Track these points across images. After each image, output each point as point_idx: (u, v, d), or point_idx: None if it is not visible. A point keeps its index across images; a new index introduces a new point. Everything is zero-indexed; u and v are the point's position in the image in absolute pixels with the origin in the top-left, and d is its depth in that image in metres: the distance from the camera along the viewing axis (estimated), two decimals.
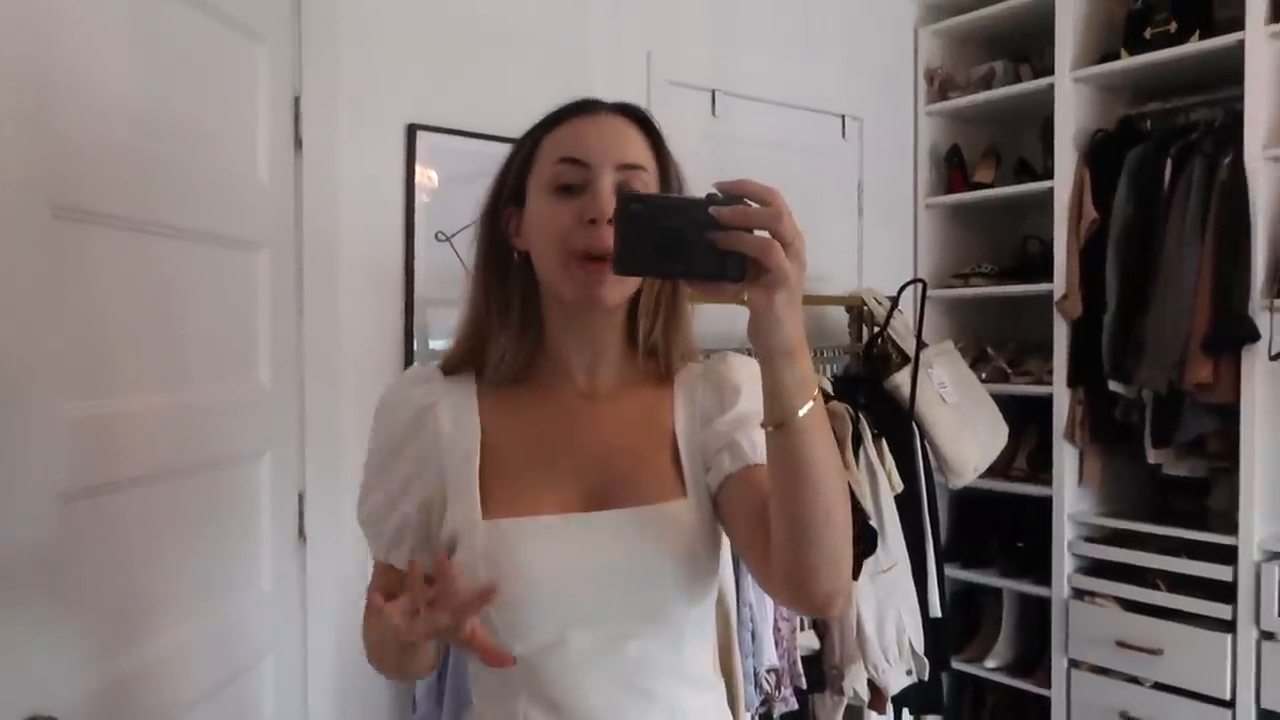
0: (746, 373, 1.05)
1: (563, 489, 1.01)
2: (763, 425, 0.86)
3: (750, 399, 1.01)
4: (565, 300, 1.01)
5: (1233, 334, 2.43)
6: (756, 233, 0.79)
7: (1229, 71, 2.48)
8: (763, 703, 2.07)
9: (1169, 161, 2.60)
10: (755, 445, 0.98)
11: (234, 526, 1.64)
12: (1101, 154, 2.75)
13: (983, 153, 3.25)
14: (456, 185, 2.13)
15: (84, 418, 1.26)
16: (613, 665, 1.00)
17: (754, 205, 0.81)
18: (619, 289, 1.00)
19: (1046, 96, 2.84)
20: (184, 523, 1.49)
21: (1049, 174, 2.88)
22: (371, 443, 1.10)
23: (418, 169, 2.13)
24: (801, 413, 0.84)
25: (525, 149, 1.04)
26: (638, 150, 1.02)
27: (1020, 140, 3.26)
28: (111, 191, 1.32)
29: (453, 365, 1.09)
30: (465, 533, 1.00)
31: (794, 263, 0.80)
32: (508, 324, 1.04)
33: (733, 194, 0.81)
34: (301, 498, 1.83)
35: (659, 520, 1.00)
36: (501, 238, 1.06)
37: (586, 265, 0.97)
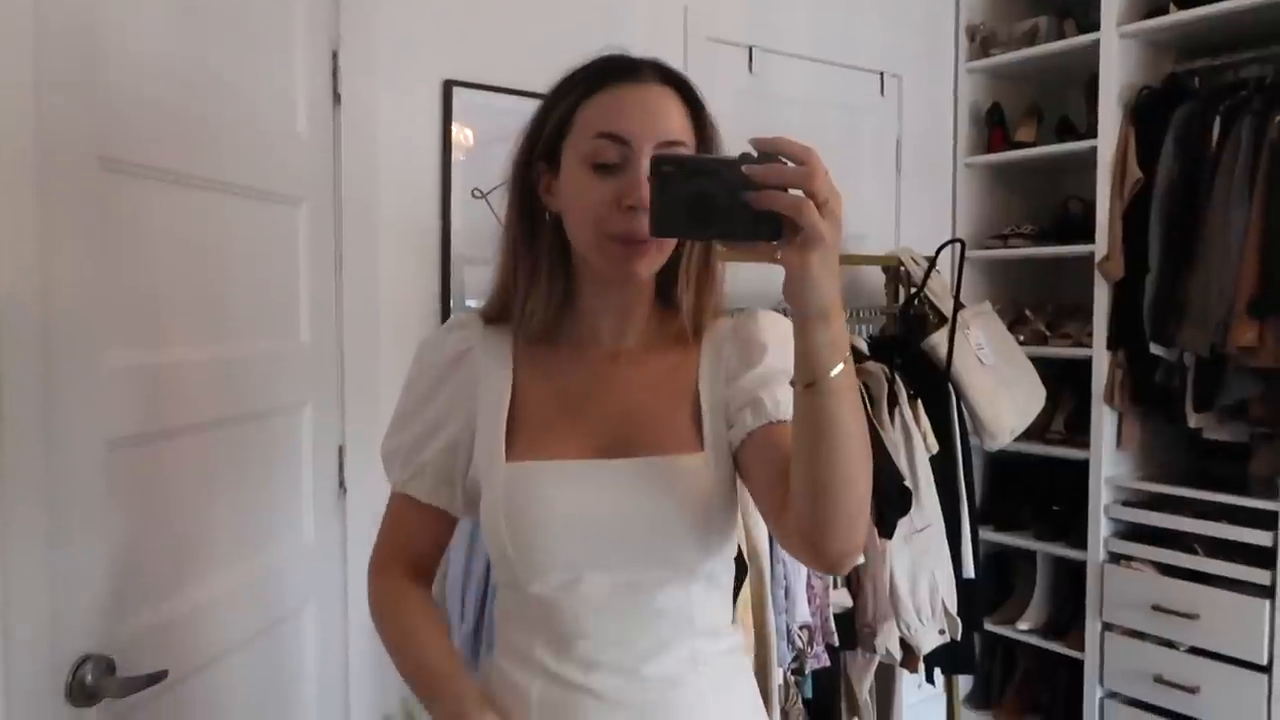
0: (774, 331, 1.05)
1: (584, 438, 1.04)
2: (792, 384, 0.86)
3: (776, 357, 1.01)
4: (599, 272, 1.03)
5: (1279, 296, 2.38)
6: (791, 192, 0.78)
7: None
8: (795, 659, 2.08)
9: (1217, 120, 2.55)
10: (779, 403, 0.99)
11: (276, 478, 1.67)
12: (1147, 112, 2.70)
13: (1024, 111, 3.19)
14: (492, 142, 2.13)
15: (131, 367, 1.28)
16: (625, 609, 1.01)
17: (789, 164, 0.79)
18: (653, 263, 1.01)
19: (1091, 53, 2.78)
20: (228, 473, 1.51)
21: (1092, 133, 2.83)
22: (407, 382, 1.13)
23: (454, 125, 2.13)
24: (833, 374, 0.83)
25: (561, 110, 1.03)
26: (678, 124, 1.00)
27: (1063, 98, 3.20)
28: (156, 145, 1.33)
29: (491, 315, 1.11)
30: (488, 473, 1.04)
31: (829, 222, 0.78)
32: (536, 284, 1.05)
33: (768, 152, 0.80)
34: (342, 451, 1.85)
35: (674, 471, 1.01)
36: (533, 195, 1.06)
37: (623, 245, 0.98)
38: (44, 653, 1.13)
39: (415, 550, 1.15)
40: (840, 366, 0.84)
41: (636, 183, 0.96)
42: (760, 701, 1.14)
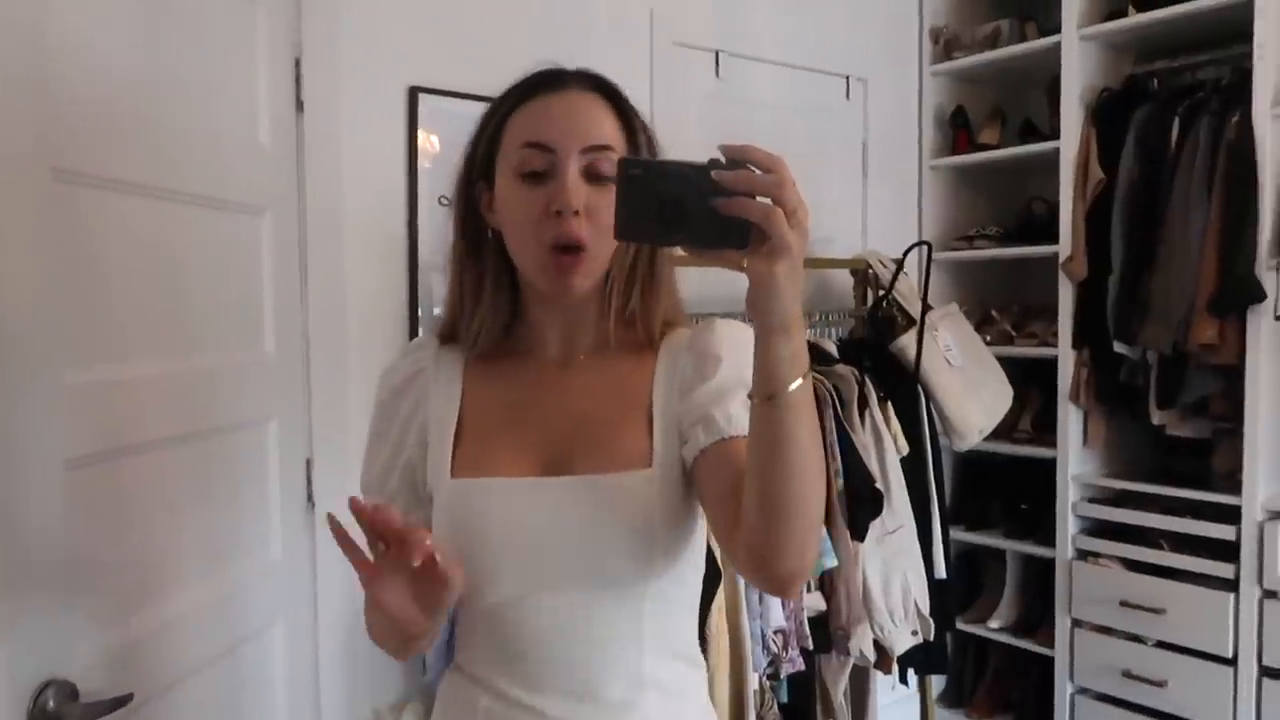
0: (730, 342, 1.03)
1: (525, 454, 1.03)
2: (750, 396, 0.86)
3: (731, 368, 1.00)
4: (537, 288, 1.03)
5: (1238, 294, 2.42)
6: (759, 200, 0.77)
7: (1237, 29, 2.46)
8: (770, 664, 2.08)
9: (1176, 120, 2.58)
10: (731, 419, 0.97)
11: (243, 493, 1.64)
12: (1108, 113, 2.73)
13: (988, 113, 3.22)
14: (459, 149, 2.11)
15: (89, 384, 1.25)
16: (570, 630, 1.00)
17: (757, 172, 0.79)
18: (589, 276, 1.00)
19: (1053, 55, 2.81)
20: (192, 489, 1.48)
21: (1054, 135, 2.86)
22: (373, 411, 1.14)
23: (420, 132, 2.11)
24: (792, 388, 0.83)
25: (491, 127, 1.03)
26: (605, 129, 1.00)
27: (1025, 100, 3.23)
28: (113, 155, 1.30)
29: (445, 334, 1.12)
30: (437, 490, 1.05)
31: (797, 233, 0.77)
32: (482, 300, 1.06)
33: (736, 159, 0.79)
34: (309, 464, 1.83)
35: (614, 489, 1.00)
36: (475, 213, 1.06)
37: (557, 257, 0.98)
38: (3, 679, 1.10)
39: None
40: (799, 381, 0.83)
41: (563, 187, 0.96)
42: None
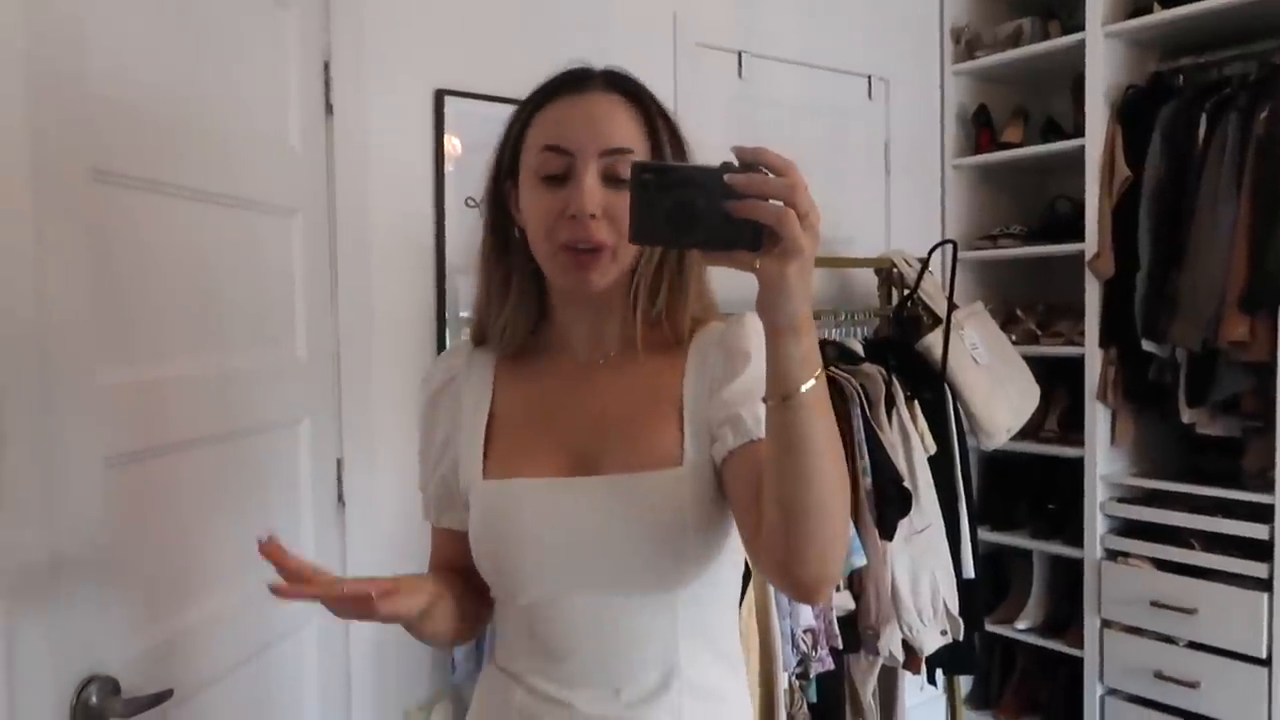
0: (760, 337, 1.01)
1: (555, 453, 1.03)
2: (764, 400, 0.86)
3: (760, 366, 0.98)
4: (558, 286, 1.04)
5: (1269, 291, 2.40)
6: (772, 203, 0.78)
7: (1265, 24, 2.44)
8: (799, 663, 2.07)
9: (1203, 117, 2.57)
10: (759, 420, 0.96)
11: (275, 493, 1.65)
12: (1134, 111, 2.71)
13: (1010, 112, 3.21)
14: (484, 151, 2.11)
15: (126, 383, 1.26)
16: (605, 630, 1.00)
17: (770, 175, 0.79)
18: (607, 273, 1.00)
19: (1076, 53, 2.80)
20: (227, 488, 1.50)
21: (1078, 132, 2.84)
22: (419, 420, 1.16)
23: (446, 135, 2.12)
24: (804, 389, 0.83)
25: (517, 128, 1.04)
26: (625, 131, 1.00)
27: (1048, 98, 3.22)
28: (149, 156, 1.31)
29: (477, 338, 1.13)
30: (470, 493, 1.06)
31: (808, 235, 0.78)
32: (508, 299, 1.07)
33: (749, 162, 0.80)
34: (340, 464, 1.84)
35: (645, 488, 0.99)
36: (504, 213, 1.07)
37: (574, 255, 0.98)
38: (48, 675, 1.11)
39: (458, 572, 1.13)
40: (812, 382, 0.83)
41: (579, 192, 0.97)
42: None
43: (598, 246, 0.97)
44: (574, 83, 1.02)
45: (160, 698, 1.21)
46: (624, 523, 0.99)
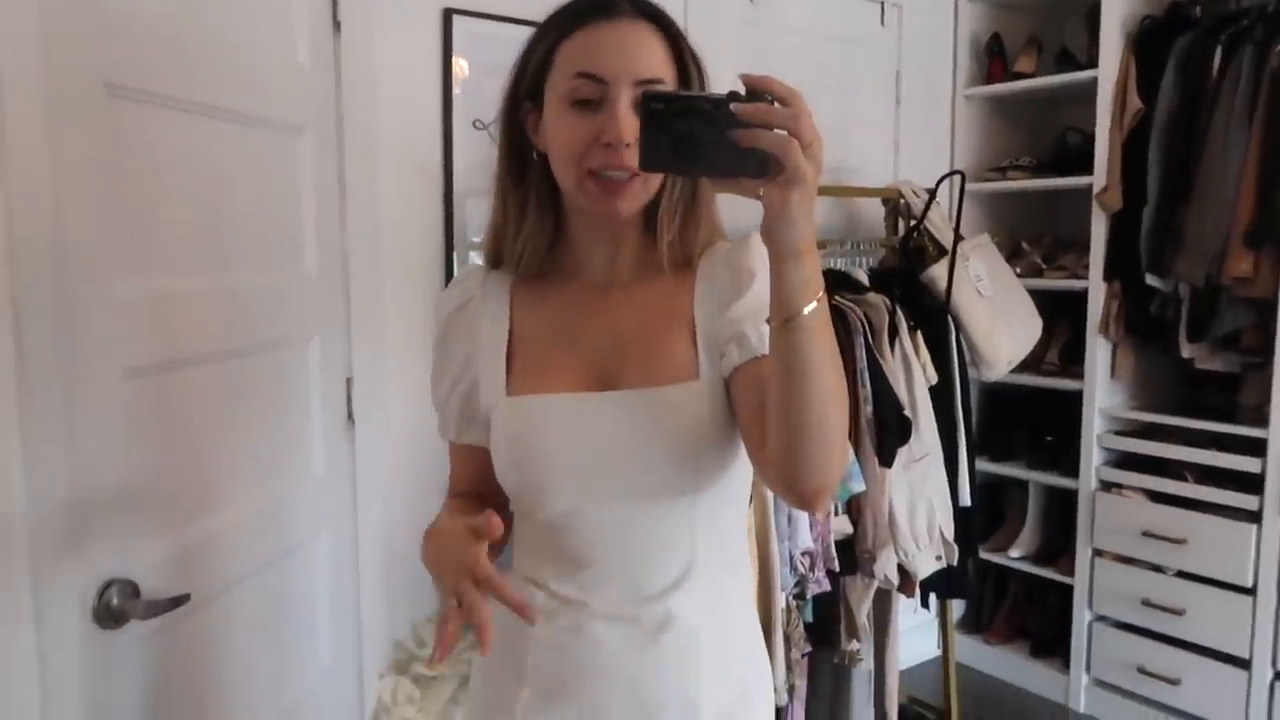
0: (762, 256, 1.03)
1: (576, 371, 1.06)
2: (767, 321, 0.88)
3: (764, 284, 1.00)
4: (582, 209, 1.05)
5: (1275, 226, 2.40)
6: (776, 131, 0.79)
7: None
8: (797, 584, 2.13)
9: (1218, 49, 2.54)
10: (764, 337, 0.98)
11: (286, 409, 1.68)
12: (1148, 42, 2.68)
13: (1024, 42, 3.16)
14: (492, 72, 2.10)
15: (142, 296, 1.28)
16: (627, 536, 1.04)
17: (775, 104, 0.80)
18: (636, 200, 1.02)
19: None
20: (240, 403, 1.52)
21: (1092, 64, 2.81)
22: (433, 341, 1.17)
23: (454, 56, 2.11)
24: (807, 310, 0.85)
25: (542, 50, 1.03)
26: (657, 61, 1.00)
27: (1063, 29, 3.17)
28: (160, 71, 1.31)
29: (491, 260, 1.14)
30: (493, 410, 1.08)
31: (811, 163, 0.80)
32: (525, 222, 1.08)
33: (755, 90, 0.81)
34: (349, 383, 1.86)
35: (666, 402, 1.03)
36: (521, 136, 1.07)
37: (604, 181, 0.99)
38: (71, 577, 1.16)
39: (478, 488, 1.16)
40: (814, 304, 0.85)
41: (615, 120, 0.97)
42: (759, 635, 1.17)
43: (632, 174, 0.99)
44: (604, 7, 1.01)
45: (178, 601, 1.25)
46: (646, 434, 1.02)
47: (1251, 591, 2.52)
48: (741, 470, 1.09)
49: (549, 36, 1.03)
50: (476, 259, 2.12)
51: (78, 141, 1.16)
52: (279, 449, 1.64)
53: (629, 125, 0.97)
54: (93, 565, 1.19)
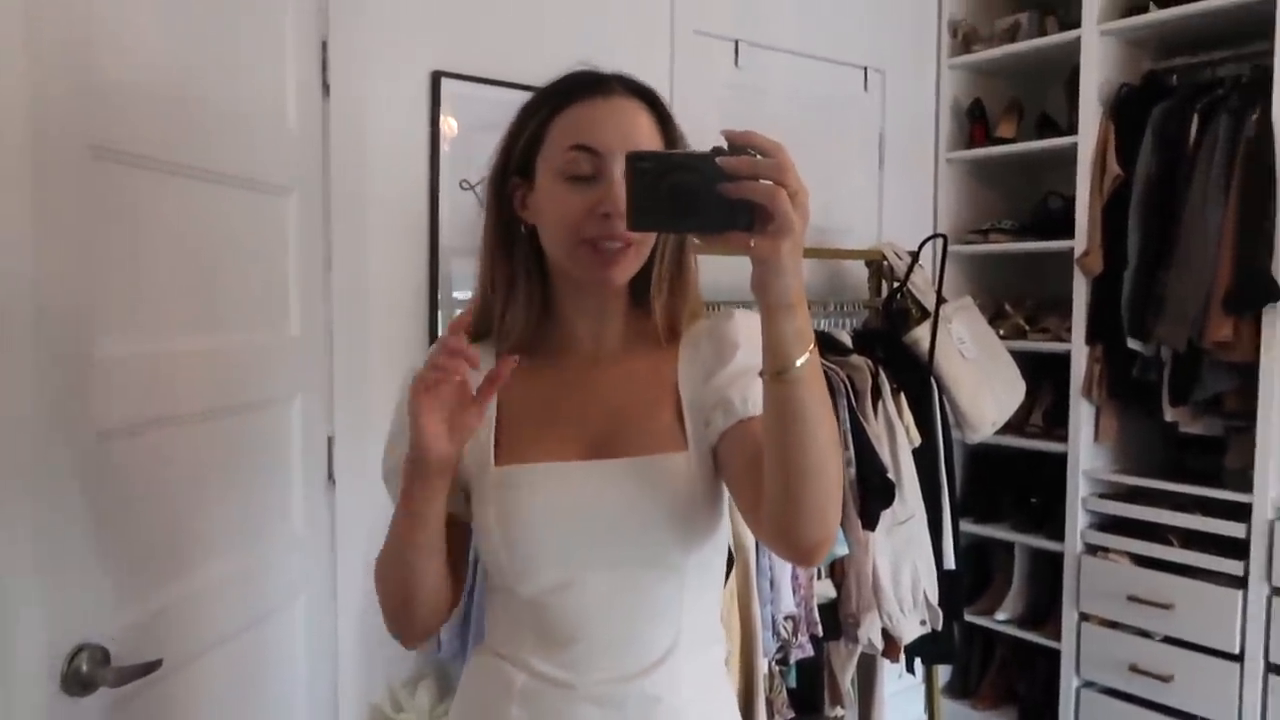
0: (747, 330, 1.07)
1: (570, 440, 1.06)
2: (760, 374, 0.89)
3: (747, 354, 1.04)
4: (575, 280, 1.06)
5: (1254, 292, 2.43)
6: (763, 182, 0.81)
7: (1258, 26, 2.46)
8: (779, 649, 2.10)
9: (1195, 117, 2.58)
10: (747, 400, 1.02)
11: (266, 469, 1.66)
12: (1126, 109, 2.73)
13: (1005, 107, 3.22)
14: (479, 133, 2.13)
15: (121, 357, 1.27)
16: (616, 609, 1.04)
17: (759, 157, 0.82)
18: (628, 269, 1.04)
19: (1072, 49, 2.82)
20: (218, 464, 1.51)
21: (1072, 129, 2.86)
22: (397, 405, 1.15)
23: (442, 117, 2.13)
24: (799, 363, 0.86)
25: (533, 126, 1.05)
26: (647, 135, 1.03)
27: (1043, 94, 3.23)
28: (148, 133, 1.32)
29: (475, 332, 1.14)
30: (478, 479, 1.06)
31: (799, 212, 0.82)
32: (514, 297, 1.09)
33: (739, 145, 0.83)
34: (331, 442, 1.85)
35: (657, 470, 1.03)
36: (509, 210, 1.09)
37: (599, 253, 1.01)
38: (40, 642, 1.13)
39: None
40: (806, 356, 0.87)
41: (610, 191, 0.99)
42: (734, 705, 1.16)
43: (627, 244, 1.01)
44: (595, 85, 1.04)
45: (150, 667, 1.23)
46: (640, 502, 1.03)
47: (1239, 658, 2.50)
48: (721, 542, 1.09)
49: (541, 112, 1.06)
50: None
51: (61, 204, 1.16)
52: (258, 510, 1.63)
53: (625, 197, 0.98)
54: (62, 630, 1.16)
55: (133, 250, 1.31)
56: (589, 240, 1.01)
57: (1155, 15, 2.65)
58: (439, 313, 2.15)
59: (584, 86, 1.04)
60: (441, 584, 1.06)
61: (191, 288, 1.44)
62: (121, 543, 1.28)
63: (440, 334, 2.03)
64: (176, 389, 1.41)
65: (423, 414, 0.95)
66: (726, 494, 1.08)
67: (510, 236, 1.09)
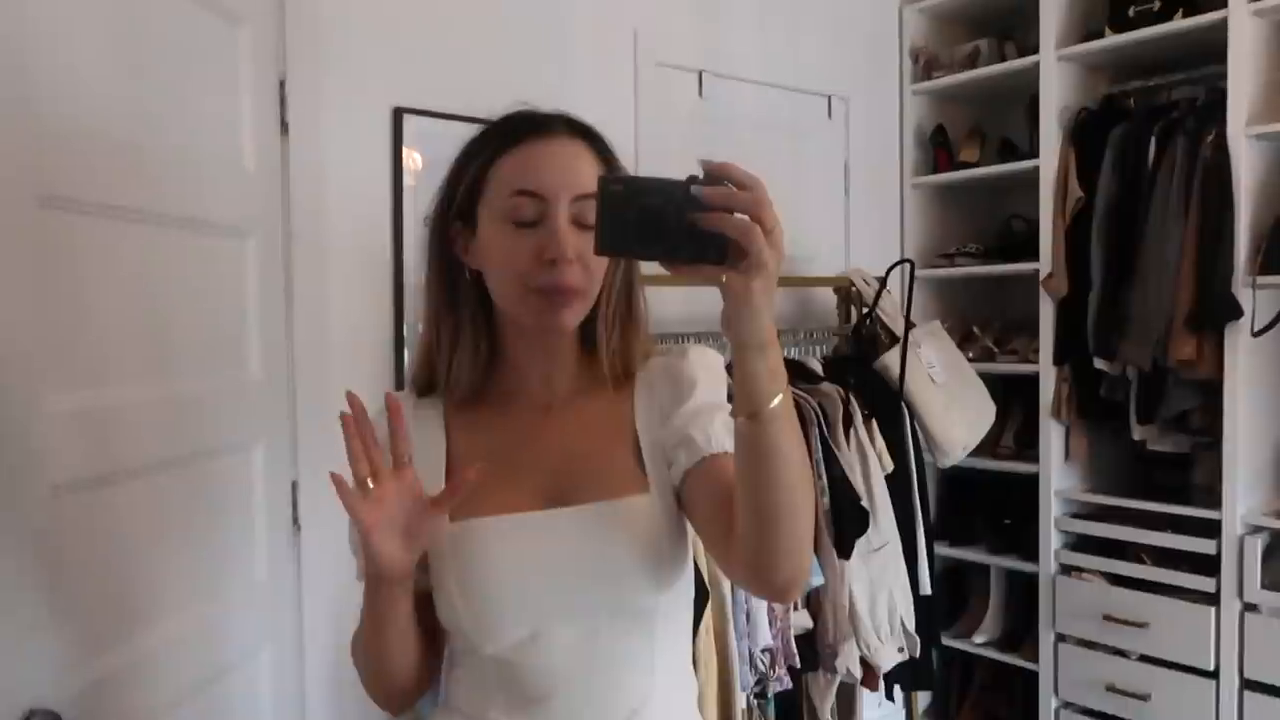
0: (702, 365, 1.06)
1: (524, 491, 1.03)
2: (733, 415, 0.87)
3: (706, 391, 1.03)
4: (524, 325, 1.03)
5: (1216, 311, 2.45)
6: (738, 216, 0.78)
7: (1212, 50, 2.50)
8: (758, 682, 2.08)
9: (1152, 140, 2.62)
10: (710, 438, 0.99)
11: (228, 517, 1.63)
12: (1086, 132, 2.76)
13: (967, 132, 3.25)
14: (443, 168, 2.10)
15: (75, 410, 1.24)
16: (586, 660, 1.00)
17: (735, 190, 0.80)
18: (577, 313, 1.01)
19: (1031, 75, 2.85)
20: (178, 514, 1.47)
21: (1033, 153, 2.89)
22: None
23: (404, 153, 2.11)
24: (773, 404, 0.84)
25: (473, 170, 1.02)
26: (591, 175, 1.00)
27: (1005, 119, 3.27)
28: (97, 180, 1.30)
29: (421, 385, 1.10)
30: (434, 538, 1.00)
31: (773, 250, 0.79)
32: (461, 343, 1.05)
33: (715, 175, 0.80)
34: (295, 487, 1.82)
35: (620, 514, 1.00)
36: (451, 257, 1.05)
37: (549, 296, 0.98)
38: None
39: None
40: (780, 396, 0.85)
41: (556, 236, 0.97)
42: None
43: (572, 289, 0.98)
44: (536, 126, 1.01)
45: None
46: (604, 548, 0.99)
47: (1214, 675, 2.50)
48: (688, 582, 1.07)
49: (480, 157, 1.02)
50: None
51: (7, 256, 1.13)
52: (219, 560, 1.59)
53: (570, 241, 0.97)
54: (10, 694, 1.12)
55: (83, 299, 1.28)
56: (537, 288, 0.98)
57: (1111, 40, 2.69)
58: (405, 351, 2.13)
59: (524, 128, 1.01)
60: (420, 658, 1.04)
61: (144, 335, 1.41)
62: (75, 601, 1.24)
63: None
64: (134, 439, 1.37)
65: (372, 533, 0.92)
66: (691, 532, 1.05)
67: (454, 284, 1.05)
